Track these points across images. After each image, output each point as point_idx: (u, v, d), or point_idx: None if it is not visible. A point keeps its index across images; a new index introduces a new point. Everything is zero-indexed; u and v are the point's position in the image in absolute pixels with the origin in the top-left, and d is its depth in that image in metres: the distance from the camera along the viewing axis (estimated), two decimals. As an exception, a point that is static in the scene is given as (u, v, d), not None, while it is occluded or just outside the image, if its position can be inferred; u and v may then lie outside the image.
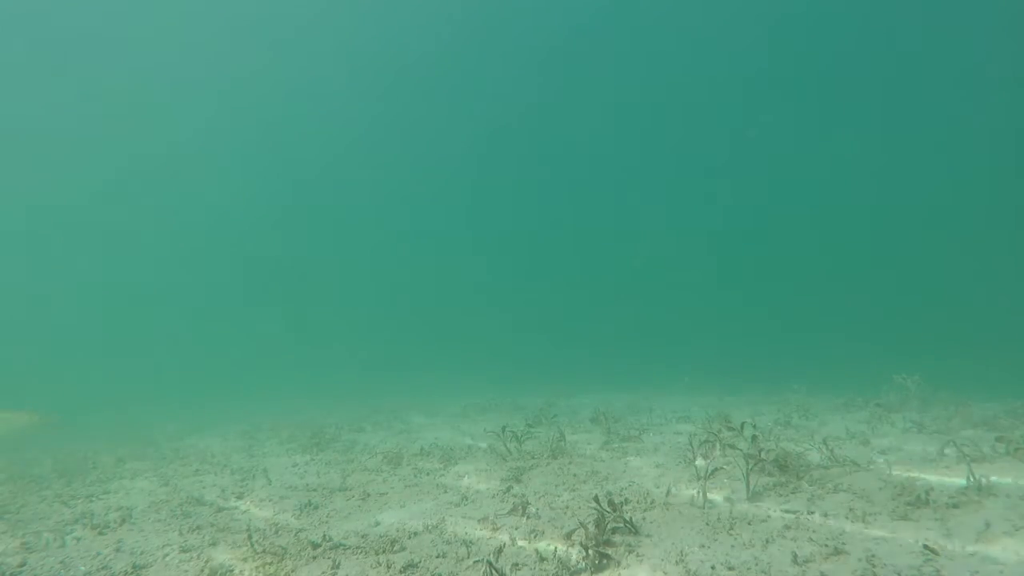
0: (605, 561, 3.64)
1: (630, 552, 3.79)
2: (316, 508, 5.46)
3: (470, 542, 4.20)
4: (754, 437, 5.55)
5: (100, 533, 5.08)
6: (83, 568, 4.22)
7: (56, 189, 46.49)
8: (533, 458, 7.05)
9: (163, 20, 38.20)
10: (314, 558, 4.10)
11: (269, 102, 46.04)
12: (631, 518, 4.29)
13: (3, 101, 38.24)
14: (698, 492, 5.05)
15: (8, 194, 45.42)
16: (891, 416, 8.65)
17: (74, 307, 53.75)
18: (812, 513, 4.35)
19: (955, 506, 4.29)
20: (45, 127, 41.08)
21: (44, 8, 34.84)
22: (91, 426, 15.37)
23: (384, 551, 4.15)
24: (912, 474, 5.30)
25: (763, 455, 5.43)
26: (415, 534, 4.48)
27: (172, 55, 40.44)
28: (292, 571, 3.89)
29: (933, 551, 3.48)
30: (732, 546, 3.78)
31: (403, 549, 4.18)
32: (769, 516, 4.34)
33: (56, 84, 38.68)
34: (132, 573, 4.06)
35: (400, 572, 3.76)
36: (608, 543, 3.89)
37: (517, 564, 3.72)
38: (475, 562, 3.80)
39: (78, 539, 4.96)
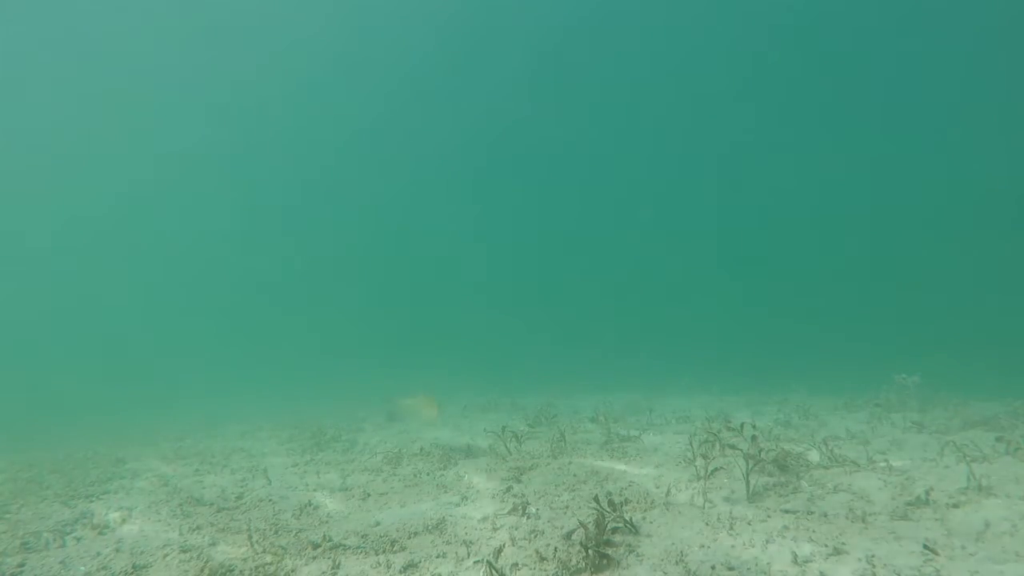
0: (605, 561, 3.63)
1: (630, 552, 3.79)
2: (316, 508, 5.46)
3: (470, 542, 4.19)
4: (754, 437, 5.55)
5: (100, 533, 5.08)
6: (83, 568, 4.22)
7: (54, 196, 46.65)
8: (533, 458, 7.05)
9: (165, 26, 38.17)
10: (314, 558, 4.10)
11: (271, 105, 46.04)
12: (631, 518, 4.29)
13: (9, 109, 38.32)
14: (698, 492, 5.05)
15: (14, 201, 45.58)
16: (891, 416, 8.66)
17: (73, 310, 53.77)
18: (812, 513, 4.35)
19: (955, 506, 4.29)
20: (45, 133, 41.15)
21: (45, 13, 34.84)
22: (92, 427, 15.37)
23: (384, 551, 4.15)
24: (912, 474, 5.30)
25: (763, 455, 5.43)
26: (415, 534, 4.48)
27: (175, 61, 40.44)
28: (292, 571, 3.89)
29: (933, 551, 3.48)
30: (732, 546, 3.78)
31: (403, 549, 4.18)
32: (769, 516, 4.34)
33: (61, 92, 38.73)
34: (132, 573, 4.06)
35: (400, 572, 3.76)
36: (608, 543, 3.89)
37: (517, 564, 3.71)
38: (475, 562, 3.80)
39: (78, 539, 4.96)
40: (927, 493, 4.51)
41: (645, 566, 3.57)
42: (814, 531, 3.96)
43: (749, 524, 4.17)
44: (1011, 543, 3.55)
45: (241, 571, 3.92)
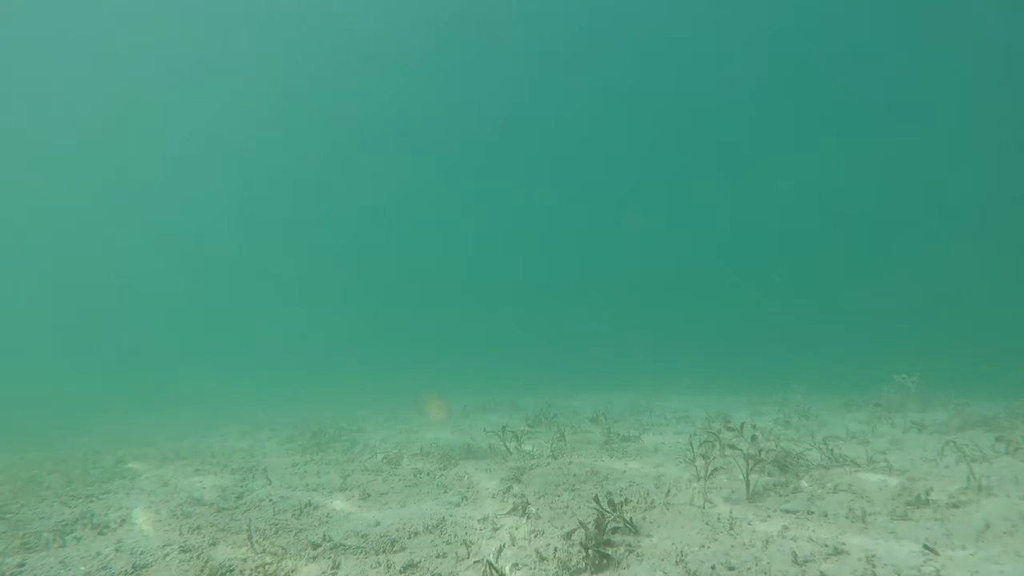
0: (605, 561, 3.63)
1: (630, 552, 3.79)
2: (316, 508, 5.46)
3: (470, 542, 4.20)
4: (754, 437, 5.55)
5: (100, 533, 5.08)
6: (83, 568, 4.22)
7: (53, 194, 46.71)
8: (533, 458, 7.05)
9: (158, 23, 38.13)
10: (314, 558, 4.10)
11: (266, 103, 46.01)
12: (631, 518, 4.29)
13: (8, 106, 38.35)
14: (698, 492, 5.05)
15: (10, 199, 45.62)
16: (891, 416, 8.66)
17: (72, 310, 53.81)
18: (812, 513, 4.35)
19: (955, 506, 4.29)
20: (41, 131, 41.20)
21: (40, 10, 34.83)
22: (92, 427, 15.37)
23: (384, 551, 4.15)
24: (912, 474, 5.30)
25: (763, 455, 5.43)
26: (415, 534, 4.48)
27: (167, 58, 40.44)
28: (292, 571, 3.89)
29: (933, 551, 3.48)
30: (732, 546, 3.78)
31: (403, 549, 4.18)
32: (769, 516, 4.34)
33: (51, 85, 38.82)
34: (132, 573, 4.06)
35: (400, 572, 3.76)
36: (608, 543, 3.89)
37: (517, 564, 3.71)
38: (475, 562, 3.80)
39: (78, 539, 4.96)
40: (927, 493, 4.51)
41: (645, 566, 3.57)
42: (814, 531, 3.96)
43: (749, 524, 4.17)
44: (1011, 543, 3.55)
45: (241, 571, 3.92)
